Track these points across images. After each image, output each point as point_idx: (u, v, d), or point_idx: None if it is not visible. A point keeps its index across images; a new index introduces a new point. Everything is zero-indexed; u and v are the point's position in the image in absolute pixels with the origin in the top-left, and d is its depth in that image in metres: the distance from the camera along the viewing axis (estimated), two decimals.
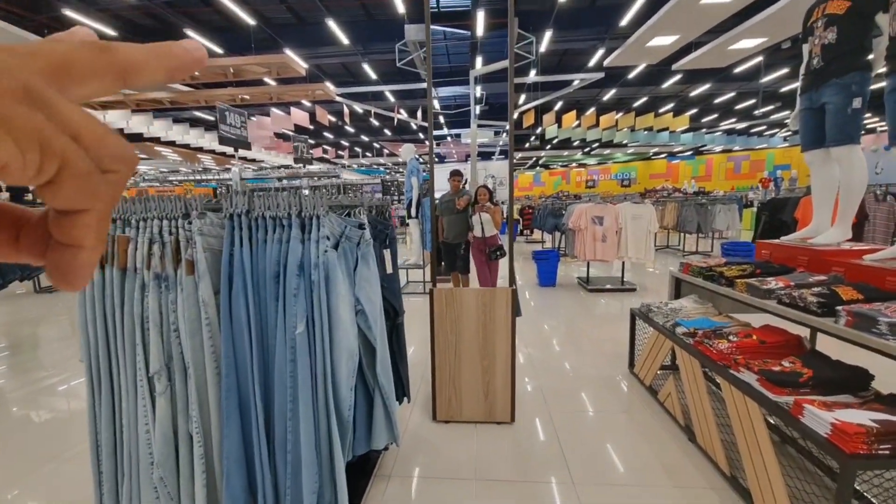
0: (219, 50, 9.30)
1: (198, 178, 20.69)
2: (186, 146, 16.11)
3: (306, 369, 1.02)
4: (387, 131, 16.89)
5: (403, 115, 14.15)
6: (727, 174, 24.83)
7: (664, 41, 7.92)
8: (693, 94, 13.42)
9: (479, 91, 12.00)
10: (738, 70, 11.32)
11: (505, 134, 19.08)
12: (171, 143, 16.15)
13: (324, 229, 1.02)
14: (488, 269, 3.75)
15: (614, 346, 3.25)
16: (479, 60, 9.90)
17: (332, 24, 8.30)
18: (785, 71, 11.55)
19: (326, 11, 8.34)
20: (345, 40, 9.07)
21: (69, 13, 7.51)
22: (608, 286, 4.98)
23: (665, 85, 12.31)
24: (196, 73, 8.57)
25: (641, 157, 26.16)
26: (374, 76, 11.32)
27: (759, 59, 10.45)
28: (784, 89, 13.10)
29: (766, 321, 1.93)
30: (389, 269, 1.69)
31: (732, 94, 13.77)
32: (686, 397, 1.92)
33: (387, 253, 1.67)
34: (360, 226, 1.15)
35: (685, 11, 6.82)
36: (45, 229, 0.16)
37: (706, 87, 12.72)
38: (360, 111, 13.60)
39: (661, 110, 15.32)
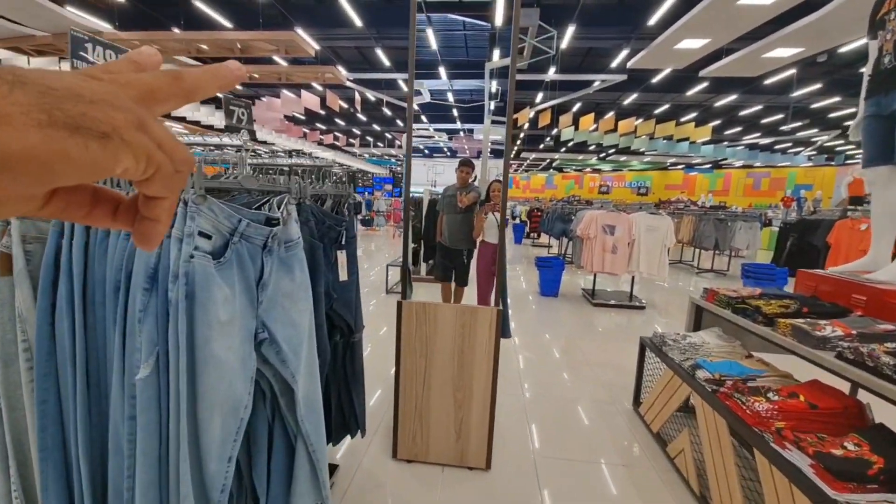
0: (227, 24, 8.98)
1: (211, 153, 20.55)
2: (196, 123, 15.94)
3: (153, 433, 0.67)
4: (399, 122, 16.52)
5: (415, 106, 13.78)
6: (746, 190, 24.14)
7: (694, 44, 7.44)
8: (718, 104, 12.84)
9: (494, 86, 11.58)
10: (768, 82, 10.76)
11: (521, 133, 18.61)
12: (181, 119, 15.98)
13: (194, 222, 0.67)
14: (493, 285, 3.21)
15: (618, 374, 2.88)
16: (496, 53, 9.45)
17: (344, 3, 7.92)
18: (817, 86, 10.96)
19: None
20: (358, 21, 8.69)
21: None
22: (614, 301, 4.59)
23: (689, 92, 11.76)
24: (204, 48, 8.28)
25: (658, 166, 25.51)
26: (387, 63, 10.93)
27: (792, 71, 9.89)
28: (814, 106, 12.49)
29: (809, 370, 1.55)
30: (344, 276, 1.34)
31: (759, 107, 13.17)
32: (704, 459, 1.55)
33: (341, 255, 1.32)
34: (267, 221, 0.81)
35: (719, 12, 6.33)
36: (135, 208, 0.22)
37: (732, 97, 12.15)
38: (373, 99, 13.25)
39: (683, 119, 14.74)
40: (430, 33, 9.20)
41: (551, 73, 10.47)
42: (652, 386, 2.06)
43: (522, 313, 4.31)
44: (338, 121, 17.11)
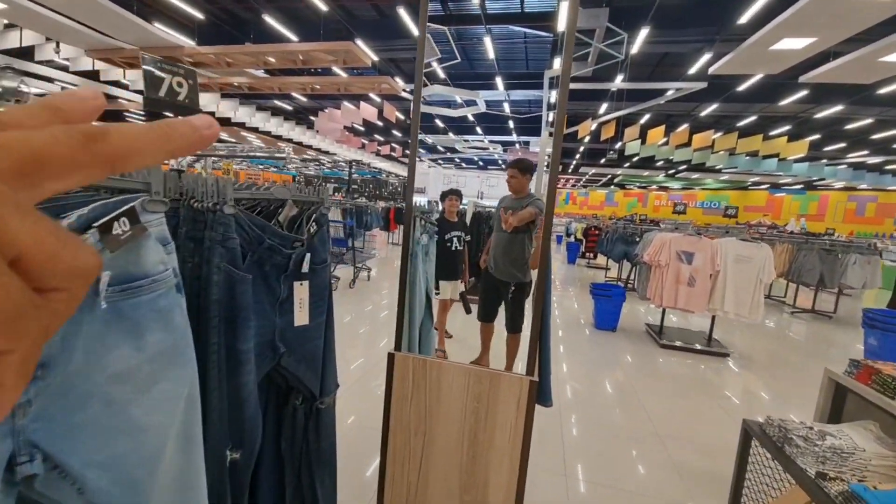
0: (293, 37, 9.31)
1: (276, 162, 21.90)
2: (267, 133, 17.00)
3: None
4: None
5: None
6: (846, 216, 21.03)
7: (795, 44, 6.37)
8: (818, 116, 11.15)
9: (554, 96, 10.97)
10: (882, 91, 9.10)
11: (581, 146, 17.66)
12: (254, 130, 17.12)
13: None
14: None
15: (700, 454, 2.19)
16: (556, 62, 8.89)
17: (404, 16, 7.83)
18: None
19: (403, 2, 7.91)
20: (415, 31, 8.58)
21: None
22: (688, 343, 3.79)
23: (783, 102, 10.30)
24: (271, 60, 8.64)
25: (737, 185, 23.03)
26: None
27: None
28: None
29: None
30: (304, 320, 0.92)
31: (869, 120, 11.25)
32: None
33: (300, 289, 0.90)
34: None
35: (829, 6, 5.31)
36: None
37: (837, 108, 10.47)
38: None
39: (773, 132, 13.04)
40: (488, 43, 8.88)
41: (618, 82, 9.66)
42: (762, 499, 1.41)
43: (572, 350, 3.67)
44: (395, 132, 17.34)
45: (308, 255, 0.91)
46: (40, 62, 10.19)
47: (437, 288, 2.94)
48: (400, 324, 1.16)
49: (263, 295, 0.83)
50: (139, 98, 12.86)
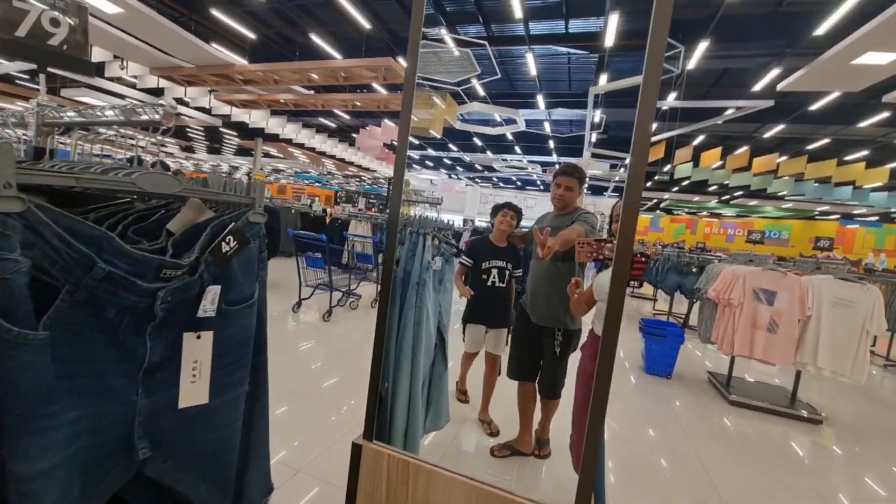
0: (338, 55, 9.49)
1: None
2: (312, 149, 17.59)
3: None
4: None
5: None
6: None
7: (881, 59, 5.60)
8: None
9: (598, 115, 10.47)
10: None
11: (623, 169, 16.85)
12: (300, 146, 17.77)
13: None
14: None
15: None
16: (602, 78, 8.45)
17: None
18: None
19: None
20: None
21: (215, 12, 8.25)
22: (765, 403, 3.10)
23: (862, 124, 9.20)
24: (314, 77, 8.82)
25: (802, 214, 21.06)
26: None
27: None
28: None
29: None
30: (200, 397, 0.54)
31: None
32: None
33: (193, 346, 0.53)
34: None
35: None
36: None
37: None
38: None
39: (848, 157, 11.75)
40: (530, 61, 8.60)
41: (671, 99, 9.02)
42: None
43: (617, 397, 3.09)
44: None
45: (216, 290, 0.54)
46: (110, 78, 11.00)
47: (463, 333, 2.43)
48: (374, 398, 0.76)
49: (105, 360, 0.46)
50: (201, 115, 13.69)
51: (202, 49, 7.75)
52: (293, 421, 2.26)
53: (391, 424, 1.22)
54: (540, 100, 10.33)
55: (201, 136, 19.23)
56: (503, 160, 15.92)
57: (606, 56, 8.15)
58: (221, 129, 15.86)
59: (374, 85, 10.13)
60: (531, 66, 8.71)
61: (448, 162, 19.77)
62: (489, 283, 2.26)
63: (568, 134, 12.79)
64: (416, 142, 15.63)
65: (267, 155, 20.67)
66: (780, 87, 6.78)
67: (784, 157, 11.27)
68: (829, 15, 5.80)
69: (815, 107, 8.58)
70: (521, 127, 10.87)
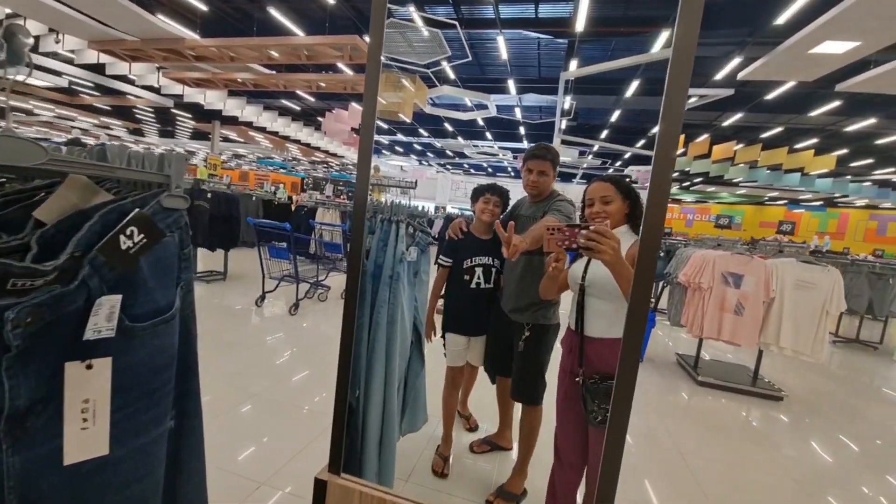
0: (300, 32, 8.94)
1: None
2: (275, 133, 16.70)
3: None
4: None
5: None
6: (867, 235, 20.26)
7: (837, 48, 5.83)
8: (848, 129, 10.53)
9: (568, 101, 10.50)
10: None
11: (590, 156, 17.12)
12: (262, 129, 16.84)
13: None
14: (585, 430, 1.31)
15: None
16: (573, 64, 8.43)
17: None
18: None
19: None
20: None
21: None
22: (731, 382, 3.21)
23: (813, 113, 9.71)
24: (274, 54, 8.27)
25: (754, 199, 22.32)
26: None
27: None
28: None
29: None
30: (98, 448, 0.39)
31: None
32: None
33: (77, 379, 0.38)
34: None
35: (880, 7, 4.77)
36: None
37: (869, 122, 9.85)
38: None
39: (798, 146, 12.43)
40: (501, 44, 8.44)
41: (634, 87, 9.15)
42: None
43: None
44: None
45: (114, 301, 0.38)
46: (45, 54, 9.91)
47: (443, 343, 1.94)
48: (340, 423, 0.63)
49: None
50: (149, 95, 12.62)
51: (147, 21, 7.07)
52: (255, 426, 2.09)
53: (364, 436, 1.10)
54: (511, 85, 10.22)
55: (151, 118, 17.85)
56: (474, 146, 15.79)
57: (577, 42, 8.12)
58: (174, 111, 14.76)
59: (340, 65, 9.66)
60: (502, 50, 8.55)
61: (419, 148, 19.42)
62: (473, 286, 1.82)
63: (538, 120, 12.80)
64: (386, 126, 15.20)
65: (226, 139, 19.49)
66: (740, 75, 6.98)
67: (741, 145, 11.76)
68: (791, 3, 5.97)
69: (770, 96, 8.94)
70: (493, 112, 10.75)
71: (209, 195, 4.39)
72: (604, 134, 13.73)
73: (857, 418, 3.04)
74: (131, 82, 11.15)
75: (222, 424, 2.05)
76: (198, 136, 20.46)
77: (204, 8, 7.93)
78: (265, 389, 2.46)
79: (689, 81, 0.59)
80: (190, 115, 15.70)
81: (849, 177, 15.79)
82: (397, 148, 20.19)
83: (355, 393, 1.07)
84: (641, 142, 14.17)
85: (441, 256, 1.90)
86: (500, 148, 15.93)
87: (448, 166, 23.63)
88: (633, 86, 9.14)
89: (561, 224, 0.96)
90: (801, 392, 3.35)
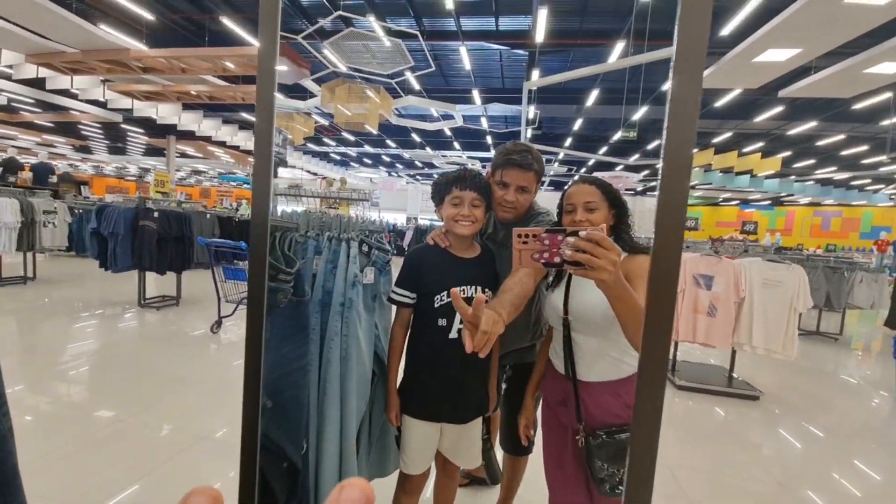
0: (256, 42, 8.64)
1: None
2: (235, 148, 16.04)
3: None
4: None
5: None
6: (813, 230, 21.75)
7: (779, 56, 6.18)
8: (791, 132, 11.26)
9: (532, 111, 10.67)
10: (857, 107, 9.20)
11: (556, 164, 17.50)
12: (221, 144, 16.13)
13: None
14: (584, 484, 1.03)
15: None
16: (535, 74, 8.59)
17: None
18: None
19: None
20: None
21: None
22: (708, 384, 3.20)
23: (758, 119, 10.31)
24: (229, 66, 7.91)
25: (709, 201, 23.52)
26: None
27: (889, 95, 8.29)
28: None
29: None
30: None
31: (840, 136, 11.45)
32: None
33: None
34: None
35: (819, 14, 5.08)
36: None
37: (810, 125, 10.57)
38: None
39: (747, 149, 13.17)
40: (464, 55, 8.48)
41: (594, 96, 9.43)
42: None
43: None
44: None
45: None
46: None
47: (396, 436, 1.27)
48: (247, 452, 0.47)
49: None
50: (94, 109, 11.81)
51: (87, 31, 6.61)
52: (201, 477, 1.83)
53: (318, 498, 0.92)
54: (476, 95, 10.29)
55: (99, 134, 16.79)
56: (443, 156, 15.80)
57: (537, 53, 8.28)
58: (123, 126, 13.91)
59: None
60: (465, 61, 8.60)
61: (387, 159, 19.25)
62: (453, 335, 1.15)
63: (504, 130, 12.96)
64: (353, 138, 14.97)
65: (183, 155, 18.56)
66: None
67: (695, 150, 12.32)
68: (734, 15, 6.29)
69: (719, 103, 9.42)
70: (459, 122, 10.78)
71: (156, 214, 4.04)
72: (568, 142, 14.06)
73: (830, 410, 3.09)
74: (74, 96, 10.43)
75: (161, 476, 1.78)
76: (153, 151, 19.42)
77: (150, 17, 7.53)
78: (216, 431, 2.19)
79: (704, 67, 0.46)
80: (142, 131, 14.86)
81: (793, 177, 16.91)
82: (365, 160, 19.94)
83: (301, 447, 0.89)
84: (604, 149, 14.62)
85: (396, 289, 1.18)
86: (468, 157, 16.02)
87: (418, 177, 23.57)
88: (593, 95, 9.42)
89: (537, 229, 0.65)
90: (774, 389, 3.39)
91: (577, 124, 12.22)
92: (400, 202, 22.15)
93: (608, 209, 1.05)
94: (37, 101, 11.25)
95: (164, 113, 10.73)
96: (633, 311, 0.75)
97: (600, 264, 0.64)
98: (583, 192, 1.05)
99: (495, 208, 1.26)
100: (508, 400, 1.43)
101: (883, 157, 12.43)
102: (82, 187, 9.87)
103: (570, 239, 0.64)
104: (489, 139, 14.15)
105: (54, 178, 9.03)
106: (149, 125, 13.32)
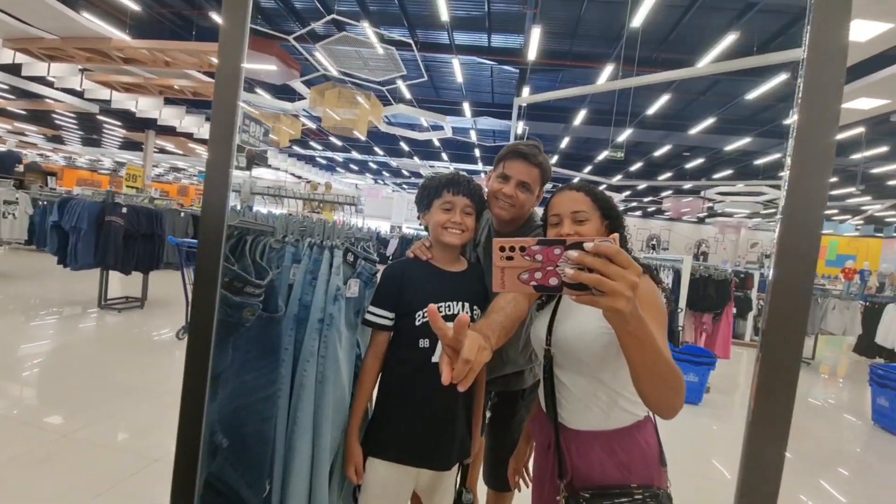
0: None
1: None
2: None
3: None
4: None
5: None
6: None
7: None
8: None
9: (521, 126, 10.77)
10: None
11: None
12: (203, 141, 15.68)
13: None
14: None
15: None
16: (525, 90, 8.71)
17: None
18: (883, 149, 9.76)
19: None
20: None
21: None
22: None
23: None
24: (215, 61, 7.71)
25: None
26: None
27: (861, 129, 8.74)
28: (875, 171, 11.22)
29: None
30: None
31: None
32: None
33: None
34: None
35: None
36: None
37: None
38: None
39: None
40: (456, 66, 8.54)
41: (581, 116, 9.59)
42: None
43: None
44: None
45: None
46: None
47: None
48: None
49: None
50: (68, 98, 11.30)
51: (69, 18, 6.37)
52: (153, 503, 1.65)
53: None
54: (466, 108, 10.36)
55: (73, 125, 16.12)
56: (430, 167, 15.79)
57: (528, 70, 8.41)
58: (100, 117, 13.39)
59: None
60: (457, 73, 8.65)
61: (374, 166, 19.13)
62: (435, 359, 0.99)
63: (492, 143, 13.06)
64: (340, 143, 14.81)
65: (162, 150, 17.99)
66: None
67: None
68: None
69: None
70: (448, 133, 10.80)
71: (124, 210, 3.81)
72: (554, 159, 14.28)
73: (803, 434, 3.11)
74: (50, 84, 9.98)
75: (106, 503, 1.60)
76: (130, 145, 18.74)
77: (135, 7, 7.28)
78: (173, 452, 2.00)
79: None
80: (119, 123, 14.33)
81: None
82: (352, 166, 19.78)
83: (263, 490, 0.76)
84: (588, 168, 14.91)
85: (372, 308, 1.02)
86: (455, 169, 16.05)
87: (404, 186, 23.50)
88: (581, 115, 9.61)
89: (526, 240, 0.48)
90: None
91: (564, 142, 12.42)
92: (385, 210, 21.98)
93: (600, 220, 0.87)
94: (11, 88, 10.73)
95: (145, 106, 10.37)
96: (650, 356, 0.57)
97: (614, 288, 0.45)
98: (570, 199, 0.87)
99: (491, 207, 1.14)
100: (493, 431, 1.31)
101: (852, 189, 13.06)
102: (50, 178, 9.39)
103: (573, 253, 0.46)
104: (477, 152, 14.24)
105: (21, 168, 8.55)
106: (127, 118, 12.85)
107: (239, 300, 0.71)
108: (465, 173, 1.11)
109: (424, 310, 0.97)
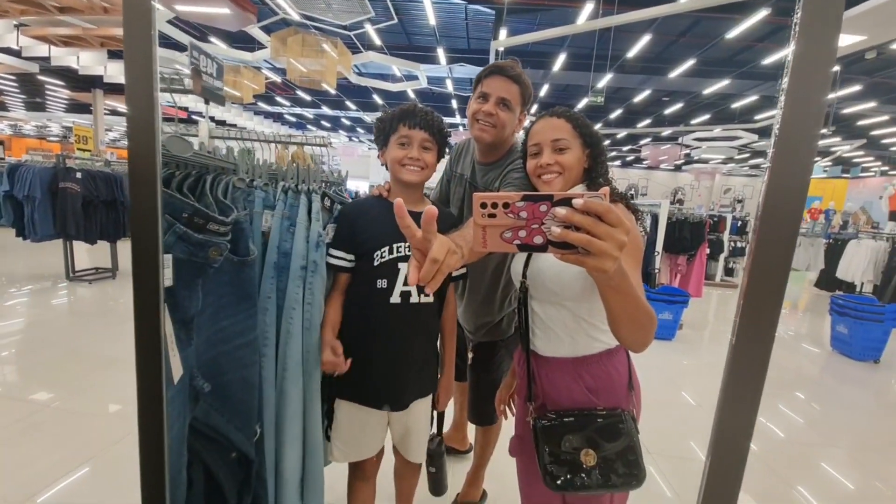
0: None
1: None
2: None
3: None
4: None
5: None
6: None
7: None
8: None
9: None
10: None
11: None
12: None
13: None
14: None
15: None
16: (503, 33, 8.26)
17: None
18: (856, 89, 9.81)
19: None
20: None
21: None
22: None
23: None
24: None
25: None
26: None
27: (836, 68, 8.73)
28: (846, 111, 11.38)
29: None
30: None
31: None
32: None
33: None
34: None
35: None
36: None
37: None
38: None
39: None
40: (428, 7, 7.96)
41: (560, 61, 9.25)
42: None
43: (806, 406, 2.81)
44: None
45: None
46: None
47: (328, 424, 1.06)
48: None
49: None
50: (6, 58, 10.11)
51: None
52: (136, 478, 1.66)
53: (278, 481, 0.81)
54: (441, 54, 9.81)
55: (14, 88, 14.61)
56: None
57: (505, 11, 7.93)
58: (40, 77, 12.14)
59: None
60: (429, 14, 8.08)
61: (347, 123, 18.30)
62: (395, 299, 0.98)
63: (469, 94, 12.56)
64: (309, 98, 14.01)
65: (114, 112, 16.63)
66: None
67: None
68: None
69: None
70: (423, 84, 10.31)
71: (79, 175, 3.55)
72: (534, 109, 13.95)
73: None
74: None
75: (95, 470, 1.60)
76: (79, 108, 17.23)
77: None
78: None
79: None
80: (63, 83, 13.08)
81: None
82: (323, 122, 18.87)
83: (253, 434, 0.76)
84: None
85: (333, 250, 1.00)
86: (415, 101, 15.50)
87: None
88: (560, 59, 9.25)
89: (509, 195, 0.44)
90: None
91: (543, 90, 12.06)
92: (362, 169, 21.30)
93: (581, 149, 0.86)
94: None
95: (87, 62, 9.41)
96: (630, 305, 0.58)
97: (602, 248, 0.42)
98: (551, 127, 0.85)
99: (472, 131, 1.09)
100: (474, 371, 1.37)
101: (823, 130, 13.28)
102: None
103: (560, 210, 0.42)
104: (454, 103, 13.73)
105: None
106: (71, 76, 11.69)
107: (202, 237, 0.66)
108: (425, 106, 1.03)
109: (382, 249, 0.96)
